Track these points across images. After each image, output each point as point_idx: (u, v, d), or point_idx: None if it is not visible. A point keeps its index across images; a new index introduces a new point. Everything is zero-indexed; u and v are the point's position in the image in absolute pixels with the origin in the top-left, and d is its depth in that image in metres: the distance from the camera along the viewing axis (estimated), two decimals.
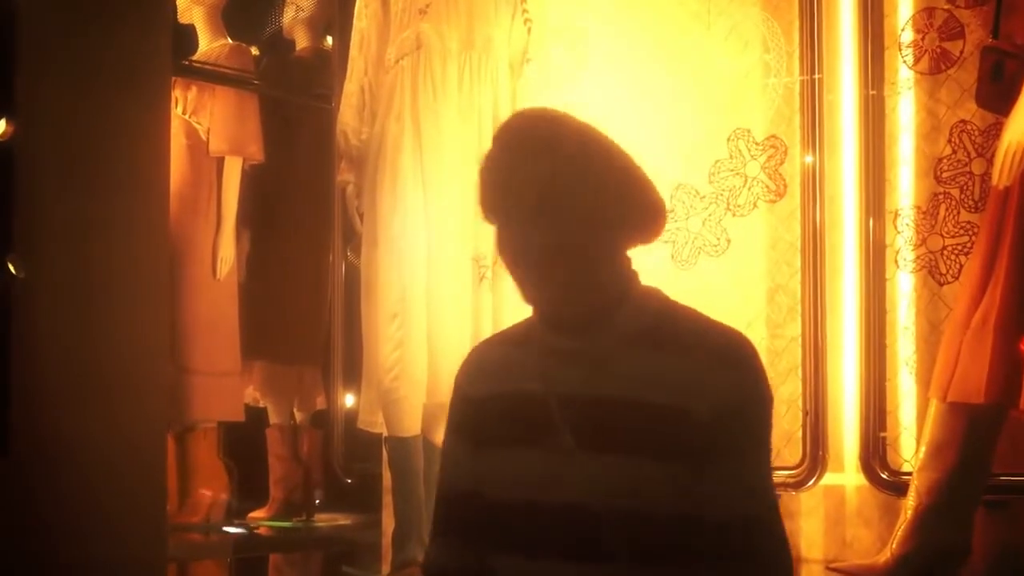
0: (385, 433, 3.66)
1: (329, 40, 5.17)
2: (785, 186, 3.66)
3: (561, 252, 1.65)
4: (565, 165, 1.65)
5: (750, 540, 1.62)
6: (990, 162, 3.23)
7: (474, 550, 1.70)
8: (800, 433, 3.53)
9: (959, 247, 3.45)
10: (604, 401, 1.64)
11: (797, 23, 3.63)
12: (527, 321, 1.79)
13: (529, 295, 1.70)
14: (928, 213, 3.51)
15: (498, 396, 1.72)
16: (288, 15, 5.29)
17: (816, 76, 3.58)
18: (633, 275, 1.73)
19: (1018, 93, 3.01)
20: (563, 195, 1.64)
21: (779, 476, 3.49)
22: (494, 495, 1.68)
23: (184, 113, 4.75)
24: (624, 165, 1.70)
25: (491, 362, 1.78)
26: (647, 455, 1.60)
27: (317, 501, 5.19)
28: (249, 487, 5.00)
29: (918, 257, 3.52)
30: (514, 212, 1.66)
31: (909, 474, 3.27)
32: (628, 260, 1.74)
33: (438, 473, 1.83)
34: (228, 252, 4.76)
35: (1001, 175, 3.01)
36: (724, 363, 1.64)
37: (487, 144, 3.26)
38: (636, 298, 1.70)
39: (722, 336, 1.68)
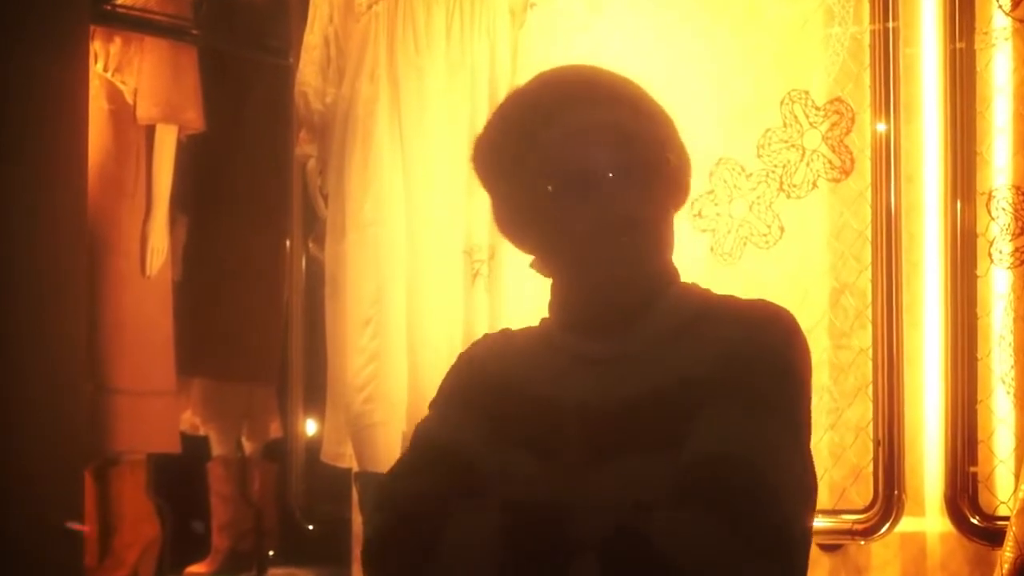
0: (355, 468, 3.66)
1: None
2: (852, 161, 3.65)
3: (635, 229, 1.70)
4: (640, 122, 1.73)
5: (726, 484, 1.60)
6: None
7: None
8: (871, 468, 3.52)
9: None
10: (628, 402, 1.70)
11: None
12: (538, 327, 1.85)
13: (577, 286, 1.74)
14: None
15: (517, 389, 1.77)
16: None
17: (890, 24, 3.57)
18: (675, 270, 1.80)
19: None
20: (639, 157, 1.71)
21: (845, 521, 3.49)
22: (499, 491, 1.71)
23: (105, 71, 4.75)
24: (671, 121, 1.79)
25: (511, 350, 1.83)
26: (668, 445, 1.65)
27: (271, 552, 5.19)
28: (186, 534, 5.00)
29: (1017, 249, 3.51)
30: (590, 176, 1.69)
31: (1006, 519, 3.27)
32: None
33: (417, 427, 1.84)
34: (160, 243, 4.76)
35: None
36: (739, 318, 1.73)
37: (482, 108, 3.29)
38: (674, 294, 1.77)
39: (749, 303, 1.78)
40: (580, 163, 1.70)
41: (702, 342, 1.72)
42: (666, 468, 1.64)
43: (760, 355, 1.70)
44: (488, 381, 1.81)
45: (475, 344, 1.89)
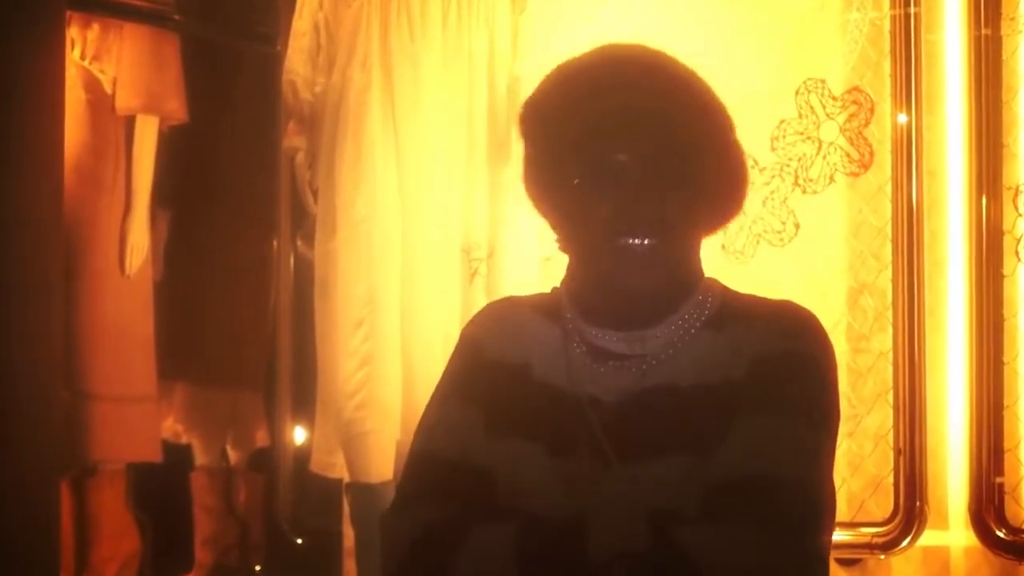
0: (347, 478, 3.66)
1: None
2: (871, 154, 3.65)
3: (668, 222, 1.70)
4: (692, 111, 1.73)
5: (769, 501, 1.62)
6: None
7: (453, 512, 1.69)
8: (891, 478, 3.52)
9: None
10: (647, 401, 1.70)
11: None
12: (550, 299, 1.83)
13: (595, 281, 1.73)
14: None
15: (526, 376, 1.76)
16: None
17: (912, 10, 3.57)
18: (700, 271, 1.81)
19: None
20: (687, 149, 1.71)
21: (864, 534, 3.49)
22: (507, 495, 1.70)
23: (83, 59, 4.74)
24: (732, 125, 1.81)
25: (519, 327, 1.81)
26: (693, 448, 1.66)
27: (257, 567, 5.19)
28: (168, 548, 4.99)
29: None
30: (625, 161, 1.68)
31: None
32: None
33: (416, 440, 1.82)
34: (140, 240, 4.75)
35: None
36: (770, 323, 1.73)
37: (480, 98, 3.28)
38: (696, 299, 1.78)
39: (777, 306, 1.78)
40: (611, 149, 1.69)
41: (728, 343, 1.72)
42: (688, 473, 1.64)
43: (795, 363, 1.71)
44: (494, 366, 1.78)
45: (478, 319, 1.86)
